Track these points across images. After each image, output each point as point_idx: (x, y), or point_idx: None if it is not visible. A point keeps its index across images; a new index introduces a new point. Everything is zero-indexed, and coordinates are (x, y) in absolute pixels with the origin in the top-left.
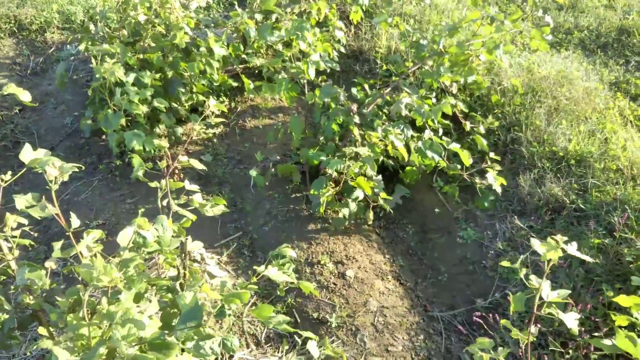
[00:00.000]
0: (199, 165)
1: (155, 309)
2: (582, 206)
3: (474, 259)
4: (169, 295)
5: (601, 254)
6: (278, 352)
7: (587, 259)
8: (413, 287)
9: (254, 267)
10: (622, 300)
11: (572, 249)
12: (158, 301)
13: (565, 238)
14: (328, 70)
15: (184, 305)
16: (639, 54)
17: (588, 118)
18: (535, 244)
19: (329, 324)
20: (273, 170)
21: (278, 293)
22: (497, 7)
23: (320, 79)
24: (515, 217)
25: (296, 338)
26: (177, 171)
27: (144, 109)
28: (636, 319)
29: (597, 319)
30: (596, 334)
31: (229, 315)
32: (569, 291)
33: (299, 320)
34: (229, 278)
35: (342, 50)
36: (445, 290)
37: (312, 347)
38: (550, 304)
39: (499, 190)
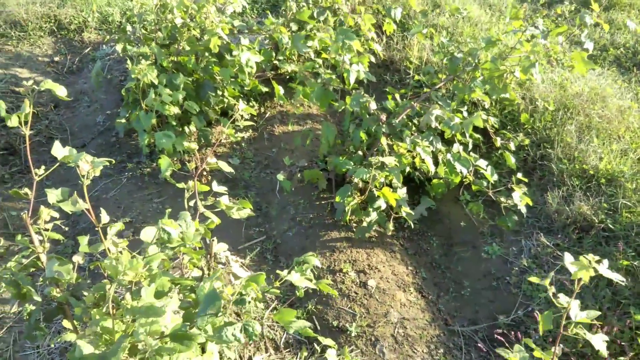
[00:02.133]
0: (227, 168)
1: (176, 306)
2: (612, 226)
3: (498, 275)
4: (192, 295)
5: (629, 276)
6: (296, 358)
7: (619, 278)
8: (435, 300)
9: (277, 272)
10: None
11: (603, 268)
12: (181, 301)
13: (597, 257)
14: (365, 81)
15: (202, 295)
16: None
17: (621, 137)
18: (568, 260)
19: (348, 332)
20: (299, 175)
21: (297, 294)
22: (542, 21)
23: (351, 88)
24: (542, 234)
25: (315, 345)
26: (204, 173)
27: (175, 110)
28: None
29: (623, 343)
30: (622, 358)
31: (249, 302)
32: (598, 312)
33: (318, 328)
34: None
35: (373, 59)
36: (467, 304)
37: (331, 355)
38: (578, 324)
39: (523, 210)
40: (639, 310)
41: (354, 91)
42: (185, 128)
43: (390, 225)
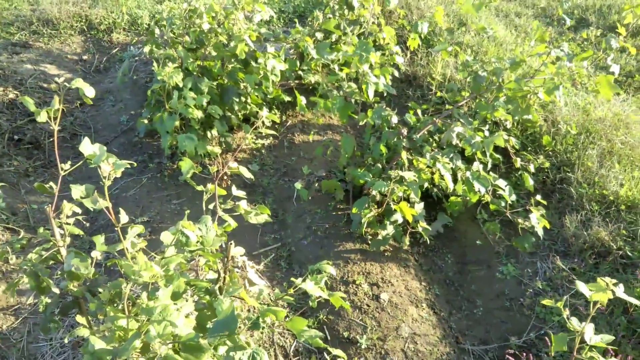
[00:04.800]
0: (247, 174)
1: (191, 309)
2: (630, 253)
3: (512, 296)
4: (207, 297)
5: None
6: None
7: (637, 302)
8: (447, 317)
9: (292, 279)
10: None
11: (620, 291)
12: (195, 302)
13: (614, 281)
14: (385, 94)
15: (220, 312)
16: None
17: None
18: (581, 285)
19: (358, 344)
20: (317, 185)
21: (310, 305)
22: (568, 44)
23: (373, 101)
24: (558, 257)
25: (325, 355)
26: (224, 177)
27: (198, 114)
28: None
29: None
30: None
31: (263, 327)
32: (613, 337)
33: (328, 338)
34: (266, 287)
35: (396, 74)
36: (479, 324)
37: None
38: (592, 349)
39: (540, 232)
40: None
41: (375, 105)
42: (208, 132)
43: (406, 240)
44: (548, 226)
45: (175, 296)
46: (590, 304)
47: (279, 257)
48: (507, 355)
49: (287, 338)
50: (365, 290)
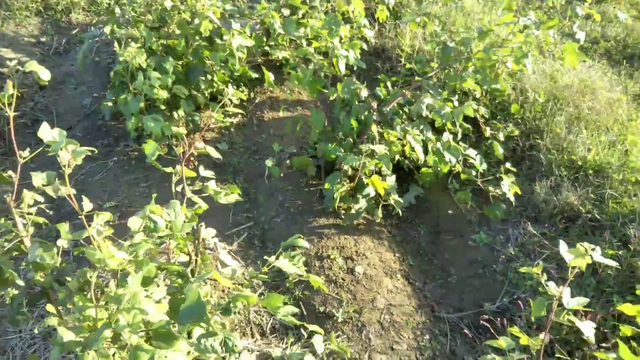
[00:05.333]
0: (215, 153)
1: (163, 294)
2: (598, 216)
3: (485, 263)
4: (179, 281)
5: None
6: (283, 344)
7: (613, 264)
8: (421, 287)
9: (265, 258)
10: (628, 308)
11: (598, 255)
12: (168, 287)
13: (592, 246)
14: (355, 68)
15: (186, 300)
16: None
17: (609, 129)
18: (563, 248)
19: (335, 318)
20: (288, 162)
21: (287, 285)
22: (534, 13)
23: (343, 75)
24: (529, 223)
25: (302, 331)
26: (192, 158)
27: (164, 94)
28: None
29: (605, 330)
30: (604, 344)
31: (234, 312)
32: (588, 300)
33: (305, 313)
34: (239, 267)
35: (365, 47)
36: (453, 292)
37: (317, 341)
38: (569, 312)
39: (512, 199)
40: (622, 298)
41: (345, 78)
42: (174, 112)
43: (379, 213)
44: (519, 193)
45: (146, 282)
46: (569, 269)
47: (252, 235)
48: (481, 321)
49: (263, 316)
50: (339, 264)
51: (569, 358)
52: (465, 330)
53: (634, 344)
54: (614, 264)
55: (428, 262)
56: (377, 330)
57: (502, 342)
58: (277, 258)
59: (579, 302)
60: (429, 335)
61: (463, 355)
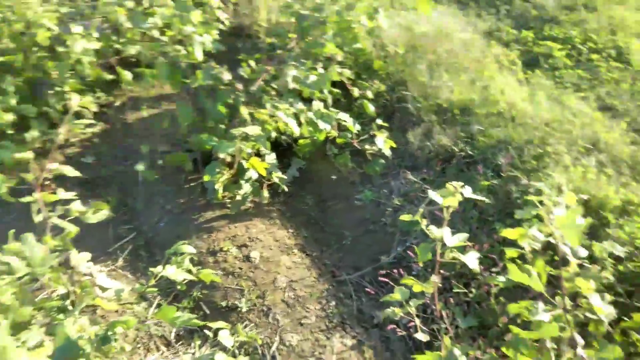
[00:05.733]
0: (71, 172)
1: (39, 337)
2: (470, 152)
3: (374, 219)
4: (61, 315)
5: (491, 195)
6: (191, 349)
7: (482, 198)
8: (319, 256)
9: (151, 270)
10: (509, 233)
11: (468, 192)
12: (46, 326)
13: (461, 183)
14: (214, 52)
15: (57, 341)
16: (508, 2)
17: (467, 68)
18: (432, 194)
19: (239, 309)
20: (162, 162)
21: (178, 288)
22: None
23: (202, 61)
24: (408, 172)
25: (207, 331)
26: (47, 182)
27: (9, 117)
28: (523, 248)
29: (494, 255)
30: (494, 269)
31: (116, 339)
32: (467, 234)
33: (208, 312)
34: (127, 283)
35: (222, 28)
36: (350, 253)
37: (224, 336)
38: (453, 249)
39: (388, 153)
40: (503, 225)
41: (205, 65)
42: (26, 135)
43: (265, 193)
44: (394, 146)
45: (19, 328)
46: (444, 209)
47: (137, 247)
48: (379, 277)
49: (164, 327)
50: (234, 254)
51: (465, 290)
52: (368, 288)
53: (520, 262)
54: (483, 198)
55: (321, 231)
56: (283, 310)
57: (397, 294)
58: (163, 267)
59: (459, 239)
60: (334, 301)
61: (370, 312)
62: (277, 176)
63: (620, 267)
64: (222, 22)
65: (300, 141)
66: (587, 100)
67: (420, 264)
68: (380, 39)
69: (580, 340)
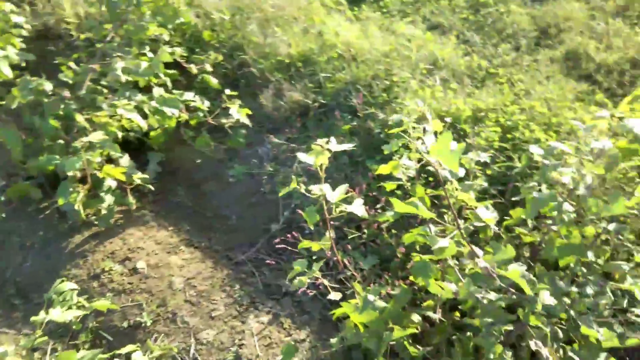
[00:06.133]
0: None
1: None
2: (324, 101)
3: (252, 191)
4: None
5: (355, 136)
6: None
7: (349, 146)
8: (208, 244)
9: (32, 319)
10: (383, 169)
11: (334, 145)
12: None
13: (326, 140)
14: (24, 64)
15: None
16: None
17: (297, 18)
18: (302, 156)
19: (143, 324)
20: (4, 198)
21: (74, 328)
22: None
23: (15, 77)
24: (272, 135)
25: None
26: None
27: None
28: (400, 179)
29: (374, 193)
30: (378, 205)
31: None
32: (346, 184)
33: (111, 339)
34: (8, 342)
35: (26, 34)
36: (239, 232)
37: (137, 358)
38: (338, 203)
39: (247, 122)
40: (374, 162)
41: (18, 80)
42: None
43: (131, 199)
44: (250, 112)
45: None
46: (318, 169)
47: (8, 297)
48: (275, 245)
49: None
50: (119, 271)
51: (358, 233)
52: (268, 260)
53: (400, 193)
54: (350, 146)
55: (203, 218)
56: (189, 310)
57: (297, 267)
58: (46, 313)
59: (340, 191)
60: (238, 284)
61: (277, 283)
62: (138, 177)
63: (488, 172)
64: (22, 27)
65: (152, 134)
66: (415, 24)
67: (312, 227)
68: (203, 8)
69: (479, 251)
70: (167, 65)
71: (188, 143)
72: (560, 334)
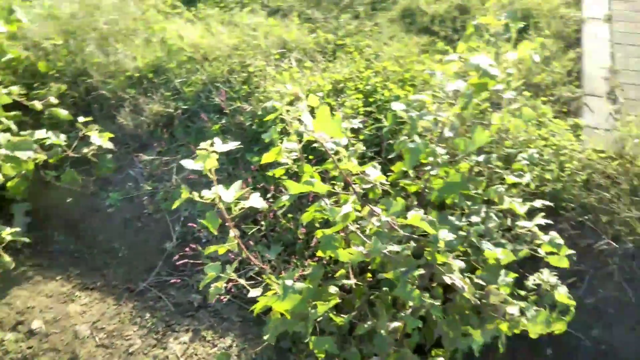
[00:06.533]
0: None
1: None
2: (185, 106)
3: (137, 215)
4: None
5: (228, 134)
6: None
7: (233, 146)
8: (105, 282)
9: None
10: (266, 157)
11: (219, 146)
12: None
13: (210, 141)
14: None
15: None
16: None
17: (135, 30)
18: (188, 164)
19: None
20: None
21: None
22: None
23: None
24: (141, 154)
25: None
26: None
27: None
28: (286, 163)
29: (262, 184)
30: (269, 195)
31: None
32: (239, 181)
33: None
34: None
35: None
36: (132, 261)
37: None
38: (236, 202)
39: (110, 146)
40: (251, 154)
41: None
42: None
43: (6, 258)
44: (111, 135)
45: None
46: (208, 173)
47: None
48: (176, 263)
49: None
50: (13, 338)
51: (256, 226)
52: (172, 280)
53: (286, 178)
54: (235, 144)
55: (90, 257)
56: (104, 355)
57: (211, 272)
58: None
59: (235, 189)
60: (147, 312)
61: (187, 299)
62: (7, 234)
63: (361, 137)
64: None
65: (9, 184)
66: (255, 12)
67: (215, 233)
68: (29, 38)
69: (378, 210)
70: (7, 108)
71: (52, 184)
72: (464, 265)
